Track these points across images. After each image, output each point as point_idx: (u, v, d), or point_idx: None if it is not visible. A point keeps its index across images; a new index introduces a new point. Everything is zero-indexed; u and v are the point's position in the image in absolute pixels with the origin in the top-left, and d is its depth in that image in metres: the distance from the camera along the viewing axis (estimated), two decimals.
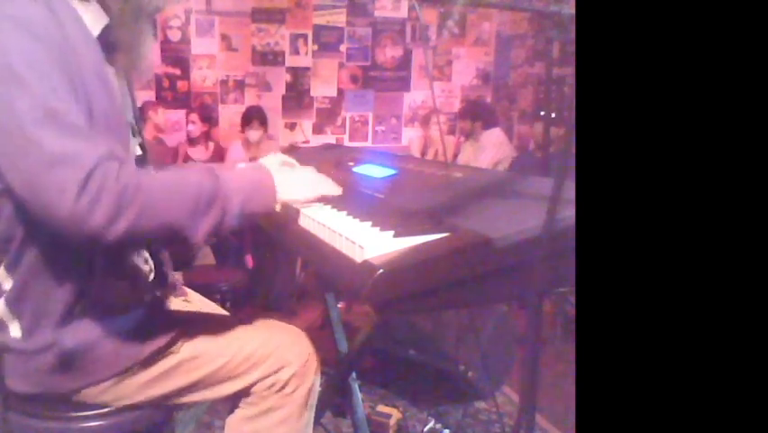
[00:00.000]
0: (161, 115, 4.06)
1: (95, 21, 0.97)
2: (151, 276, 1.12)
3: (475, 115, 4.19)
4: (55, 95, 0.84)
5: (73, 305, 0.98)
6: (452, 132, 4.95)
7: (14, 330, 1.00)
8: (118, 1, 0.98)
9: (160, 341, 1.03)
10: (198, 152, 4.22)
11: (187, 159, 4.15)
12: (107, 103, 0.94)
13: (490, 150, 4.03)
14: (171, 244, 1.15)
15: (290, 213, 1.13)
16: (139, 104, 1.35)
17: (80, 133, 0.85)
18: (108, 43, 0.99)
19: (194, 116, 4.24)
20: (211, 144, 4.35)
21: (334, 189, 1.12)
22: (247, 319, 1.21)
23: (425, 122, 4.70)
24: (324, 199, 1.12)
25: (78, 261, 0.97)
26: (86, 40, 0.93)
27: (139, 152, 1.11)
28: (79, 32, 0.92)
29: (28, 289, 0.97)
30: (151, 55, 1.06)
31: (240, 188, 0.95)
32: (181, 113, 4.51)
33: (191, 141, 4.25)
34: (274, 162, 1.13)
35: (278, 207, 1.04)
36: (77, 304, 0.99)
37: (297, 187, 1.06)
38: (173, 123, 4.58)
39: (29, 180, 0.83)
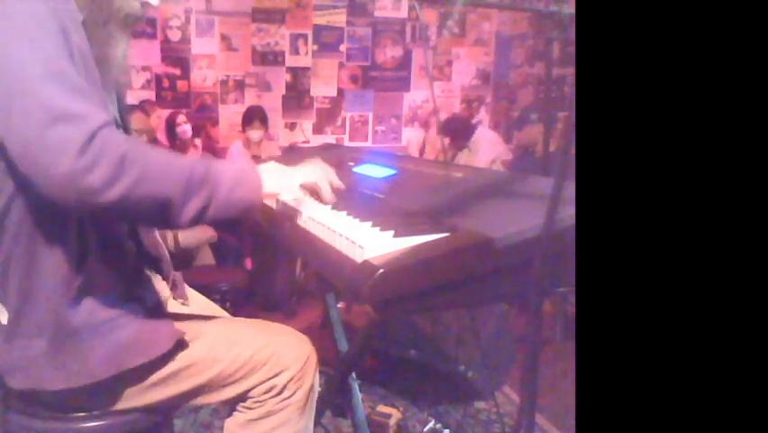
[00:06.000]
0: (157, 115, 3.95)
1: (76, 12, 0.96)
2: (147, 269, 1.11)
3: (453, 133, 4.09)
4: (62, 55, 0.85)
5: (63, 285, 0.95)
6: None
7: (1, 314, 0.99)
8: (87, 2, 0.96)
9: (156, 351, 1.00)
10: (190, 156, 3.95)
11: None
12: (94, 84, 0.93)
13: (483, 150, 4.02)
14: (156, 223, 1.10)
15: (289, 212, 1.13)
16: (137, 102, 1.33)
17: (86, 94, 0.85)
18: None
19: (182, 117, 3.94)
20: (198, 142, 4.10)
21: (314, 176, 1.10)
22: (245, 322, 1.19)
23: (426, 124, 4.68)
24: (315, 192, 1.11)
25: (67, 235, 0.94)
26: (74, 24, 0.92)
27: None
28: (70, 15, 0.92)
29: (12, 262, 0.95)
30: (126, 63, 1.04)
31: (227, 176, 0.95)
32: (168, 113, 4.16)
33: (183, 143, 3.94)
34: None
35: (274, 205, 1.03)
36: (68, 284, 0.96)
37: (281, 180, 1.05)
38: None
39: (27, 136, 0.80)
